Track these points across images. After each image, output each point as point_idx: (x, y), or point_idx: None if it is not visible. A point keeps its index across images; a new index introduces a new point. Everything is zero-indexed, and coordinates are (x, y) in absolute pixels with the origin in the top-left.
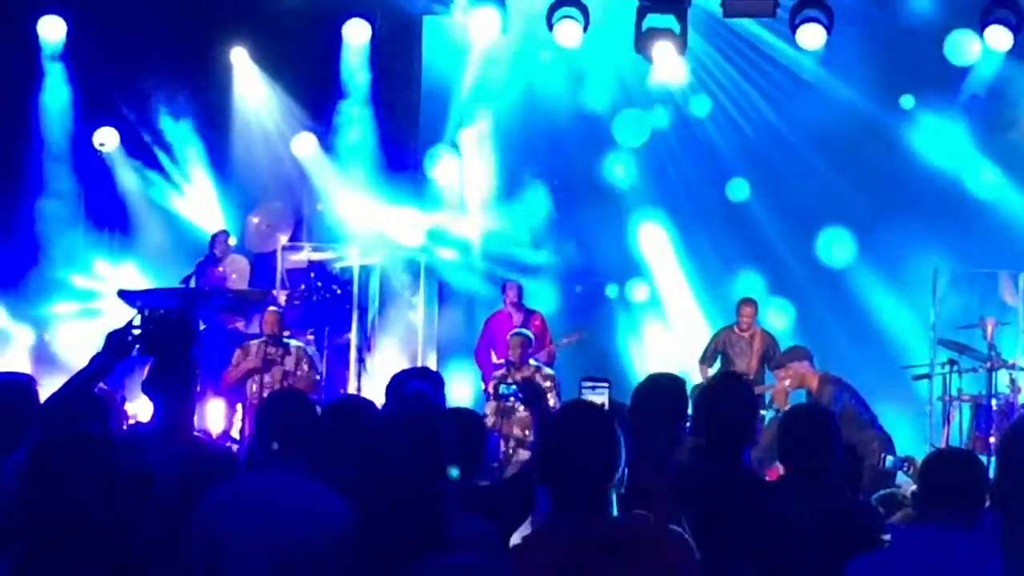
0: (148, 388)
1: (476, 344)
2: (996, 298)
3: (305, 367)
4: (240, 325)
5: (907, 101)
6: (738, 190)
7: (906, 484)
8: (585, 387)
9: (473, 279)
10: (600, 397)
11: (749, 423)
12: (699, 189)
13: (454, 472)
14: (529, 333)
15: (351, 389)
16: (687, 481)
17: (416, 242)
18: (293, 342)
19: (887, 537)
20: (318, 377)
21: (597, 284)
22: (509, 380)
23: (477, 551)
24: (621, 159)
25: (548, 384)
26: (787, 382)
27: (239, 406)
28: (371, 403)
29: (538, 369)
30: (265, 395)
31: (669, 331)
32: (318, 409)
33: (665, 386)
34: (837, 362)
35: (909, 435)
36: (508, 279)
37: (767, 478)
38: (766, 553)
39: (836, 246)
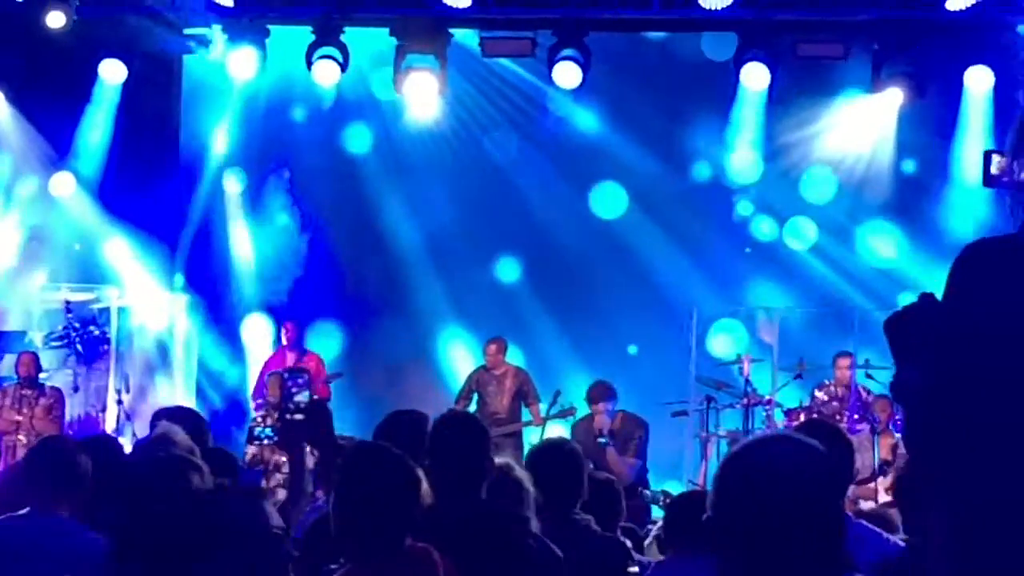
0: None
1: (255, 384)
2: (757, 337)
3: (57, 411)
4: None
5: None
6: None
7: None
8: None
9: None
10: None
11: (483, 456)
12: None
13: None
14: (283, 373)
15: (109, 429)
16: (428, 521)
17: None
18: (49, 384)
19: (634, 570)
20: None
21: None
22: (267, 423)
23: None
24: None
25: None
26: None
27: None
28: (117, 441)
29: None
30: (22, 437)
31: None
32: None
33: (406, 423)
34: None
35: (667, 471)
36: (288, 319)
37: None
38: None
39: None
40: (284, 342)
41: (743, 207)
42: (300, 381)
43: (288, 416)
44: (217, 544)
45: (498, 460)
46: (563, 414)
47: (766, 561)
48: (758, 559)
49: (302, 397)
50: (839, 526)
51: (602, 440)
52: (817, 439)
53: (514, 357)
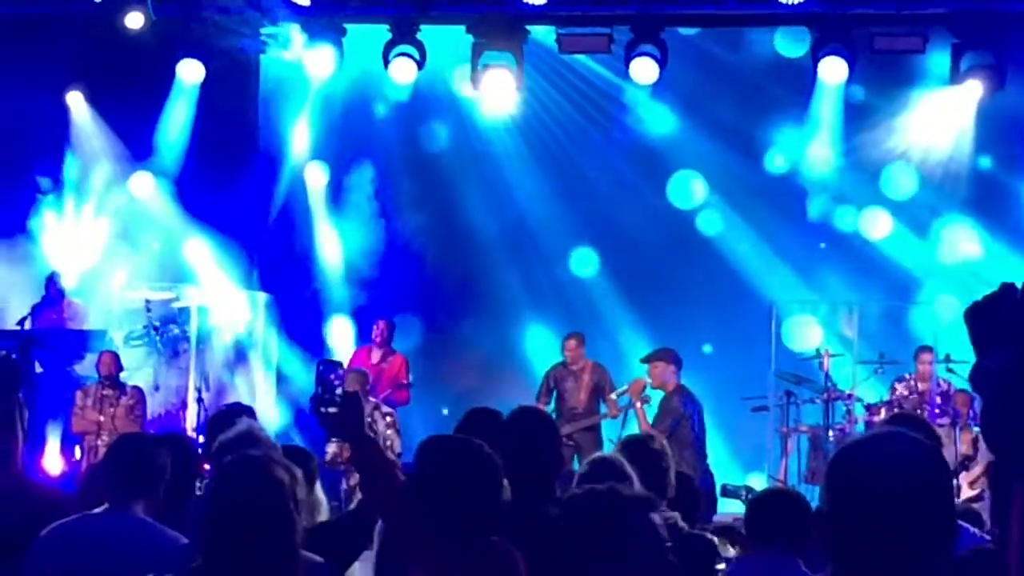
0: None
1: None
2: (837, 331)
3: (140, 410)
4: (78, 367)
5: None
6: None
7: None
8: None
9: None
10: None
11: (553, 451)
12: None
13: None
14: (365, 371)
15: (189, 428)
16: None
17: (253, 282)
18: (130, 383)
19: (721, 567)
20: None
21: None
22: None
23: None
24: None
25: (389, 421)
26: (648, 379)
27: (77, 448)
28: (194, 440)
29: (376, 407)
30: (104, 437)
31: None
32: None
33: (483, 420)
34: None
35: (748, 465)
36: (381, 316)
37: None
38: None
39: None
40: (375, 338)
41: (821, 200)
42: (340, 372)
43: (323, 409)
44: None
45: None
46: (624, 393)
47: (880, 557)
48: (872, 554)
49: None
50: (952, 522)
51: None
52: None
53: (593, 351)
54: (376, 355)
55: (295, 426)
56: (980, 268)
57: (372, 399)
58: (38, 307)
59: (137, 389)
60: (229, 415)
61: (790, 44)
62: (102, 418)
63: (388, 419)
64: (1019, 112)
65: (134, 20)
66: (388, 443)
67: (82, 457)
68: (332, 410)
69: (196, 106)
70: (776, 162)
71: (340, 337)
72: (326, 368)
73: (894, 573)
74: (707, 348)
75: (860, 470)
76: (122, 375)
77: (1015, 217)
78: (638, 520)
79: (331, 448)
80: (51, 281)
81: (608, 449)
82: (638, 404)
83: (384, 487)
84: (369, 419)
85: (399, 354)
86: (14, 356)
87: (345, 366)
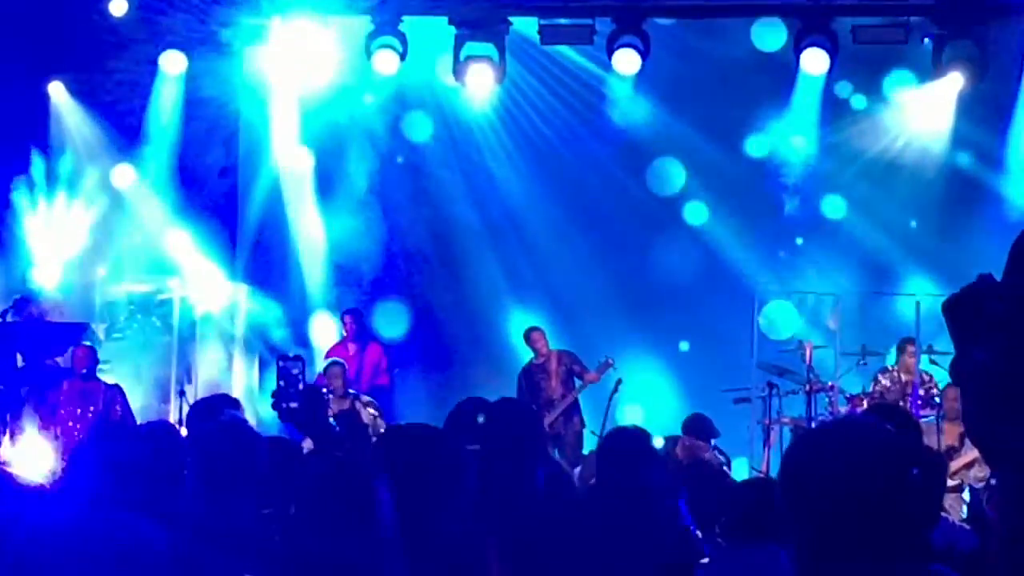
0: None
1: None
2: (821, 322)
3: (119, 406)
4: (60, 360)
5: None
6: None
7: None
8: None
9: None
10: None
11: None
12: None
13: None
14: (342, 361)
15: (172, 421)
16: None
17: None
18: (102, 377)
19: (705, 561)
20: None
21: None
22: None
23: None
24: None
25: (371, 412)
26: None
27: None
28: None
29: (356, 398)
30: (80, 432)
31: None
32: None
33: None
34: (656, 383)
35: (730, 457)
36: (346, 311)
37: None
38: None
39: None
40: (346, 332)
41: (802, 191)
42: (301, 367)
43: (284, 405)
44: None
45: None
46: (602, 368)
47: (840, 548)
48: (831, 545)
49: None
50: (919, 511)
51: None
52: (886, 423)
53: (574, 340)
54: (352, 348)
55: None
56: (960, 259)
57: (351, 391)
58: (20, 300)
59: (115, 387)
60: (212, 406)
61: (767, 37)
62: (78, 412)
63: (370, 410)
64: (999, 104)
65: (117, 7)
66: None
67: (59, 452)
68: (293, 405)
69: (178, 97)
70: (757, 152)
71: (322, 330)
72: (287, 363)
73: (844, 556)
74: (684, 346)
75: (809, 458)
76: (104, 367)
77: (994, 209)
78: None
79: (307, 443)
80: (22, 303)
81: (589, 440)
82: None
83: None
84: (350, 411)
85: (374, 343)
86: None
87: (306, 360)
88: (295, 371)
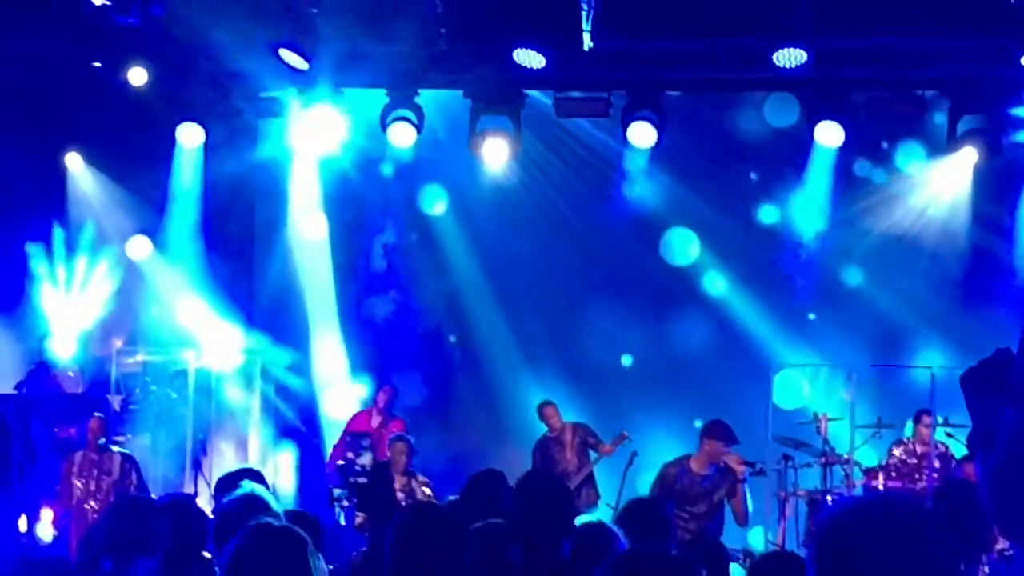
0: None
1: (335, 443)
2: (836, 395)
3: (134, 476)
4: (73, 432)
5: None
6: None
7: None
8: None
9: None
10: None
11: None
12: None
13: None
14: (409, 439)
15: (187, 491)
16: None
17: (250, 345)
18: (115, 448)
19: None
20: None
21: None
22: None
23: None
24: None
25: (426, 491)
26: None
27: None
28: (195, 502)
29: (414, 476)
30: (92, 504)
31: None
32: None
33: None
34: (672, 455)
35: (746, 529)
36: (387, 383)
37: None
38: None
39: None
40: (379, 403)
41: (817, 262)
42: (364, 444)
43: (352, 480)
44: None
45: None
46: (617, 441)
47: None
48: None
49: (364, 460)
50: None
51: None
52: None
53: (590, 409)
54: (376, 420)
55: (301, 490)
56: (974, 331)
57: (410, 469)
58: (35, 372)
59: (128, 457)
60: (233, 480)
61: (781, 111)
62: (91, 485)
63: (426, 489)
64: (1011, 176)
65: (137, 76)
66: None
67: (71, 524)
68: (362, 480)
69: (196, 170)
70: (773, 223)
71: (335, 401)
72: (353, 438)
73: None
74: (698, 423)
75: (850, 536)
76: (119, 439)
77: (1007, 280)
78: None
79: (360, 517)
80: (37, 373)
81: (605, 513)
82: None
83: None
84: (406, 488)
85: (398, 419)
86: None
87: (345, 429)
88: (362, 447)
